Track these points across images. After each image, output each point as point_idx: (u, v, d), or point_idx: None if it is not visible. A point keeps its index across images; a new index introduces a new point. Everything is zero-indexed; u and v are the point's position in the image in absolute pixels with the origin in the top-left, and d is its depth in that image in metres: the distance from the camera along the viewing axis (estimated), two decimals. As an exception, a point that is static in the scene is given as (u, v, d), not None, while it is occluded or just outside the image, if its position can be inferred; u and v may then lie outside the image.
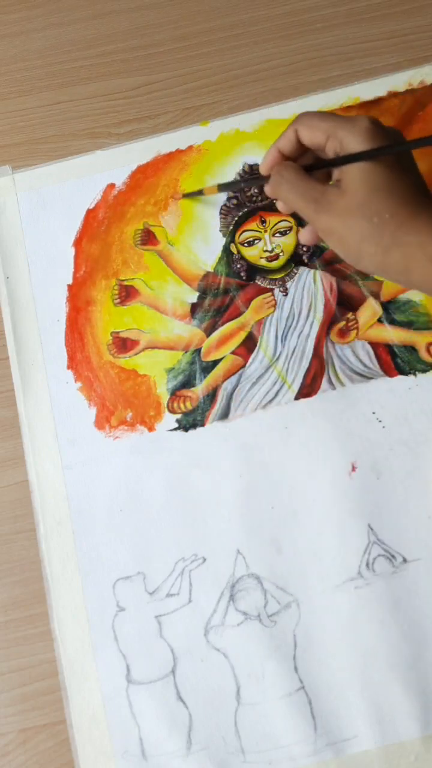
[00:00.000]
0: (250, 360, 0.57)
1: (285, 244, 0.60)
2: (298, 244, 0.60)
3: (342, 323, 0.57)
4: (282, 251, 0.59)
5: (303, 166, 0.48)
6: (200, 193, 0.60)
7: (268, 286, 0.59)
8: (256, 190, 0.61)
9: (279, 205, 0.53)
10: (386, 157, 0.45)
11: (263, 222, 0.60)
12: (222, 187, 0.59)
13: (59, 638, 0.52)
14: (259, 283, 0.59)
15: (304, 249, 0.59)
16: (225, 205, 0.61)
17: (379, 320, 0.57)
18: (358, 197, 0.44)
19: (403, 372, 0.55)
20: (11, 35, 0.69)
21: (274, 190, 0.49)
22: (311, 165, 0.48)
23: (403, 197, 0.44)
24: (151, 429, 0.56)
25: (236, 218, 0.61)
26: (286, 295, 0.58)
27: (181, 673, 0.50)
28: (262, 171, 0.51)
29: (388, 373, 0.55)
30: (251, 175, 0.60)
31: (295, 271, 0.59)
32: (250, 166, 0.62)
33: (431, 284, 0.44)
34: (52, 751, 0.50)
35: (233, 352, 0.57)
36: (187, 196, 0.61)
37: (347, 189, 0.45)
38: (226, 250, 0.60)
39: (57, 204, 0.62)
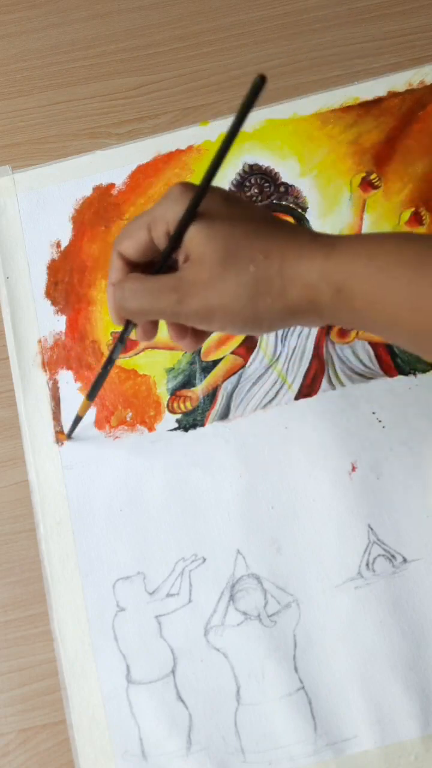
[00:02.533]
0: (250, 360, 0.57)
1: (285, 244, 0.60)
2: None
3: (342, 323, 0.57)
4: (282, 251, 0.59)
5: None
6: (79, 419, 0.55)
7: (268, 286, 0.59)
8: (256, 191, 0.61)
9: (138, 333, 0.44)
10: (215, 204, 0.38)
11: (263, 222, 0.60)
12: (92, 395, 0.51)
13: (59, 638, 0.52)
14: (259, 283, 0.59)
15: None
16: (225, 205, 0.61)
17: (379, 320, 0.57)
18: (217, 254, 0.37)
19: (403, 372, 0.55)
20: (11, 35, 0.69)
21: (119, 307, 0.40)
22: (151, 272, 0.41)
23: (264, 231, 0.37)
24: (151, 429, 0.56)
25: (236, 218, 0.60)
26: (286, 295, 0.58)
27: (181, 673, 0.50)
28: (114, 318, 0.42)
29: (388, 373, 0.55)
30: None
31: (295, 271, 0.59)
32: (250, 166, 0.62)
33: (344, 317, 0.38)
34: (52, 751, 0.50)
35: (233, 352, 0.57)
36: (70, 433, 0.56)
37: (200, 256, 0.37)
38: (226, 250, 0.60)
39: (57, 204, 0.62)
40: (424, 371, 0.55)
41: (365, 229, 0.59)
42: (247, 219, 0.38)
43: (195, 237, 0.37)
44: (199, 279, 0.37)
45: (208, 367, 0.57)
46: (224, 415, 0.56)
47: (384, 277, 0.35)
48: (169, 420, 0.56)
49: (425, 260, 0.35)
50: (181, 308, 0.38)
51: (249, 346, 0.57)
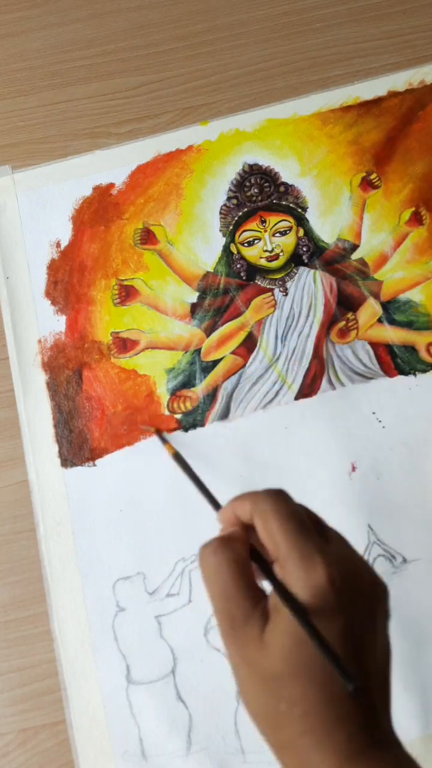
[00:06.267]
0: (250, 360, 0.57)
1: (285, 244, 0.60)
2: (298, 244, 0.60)
3: (342, 323, 0.57)
4: (282, 251, 0.59)
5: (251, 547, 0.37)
6: (160, 434, 0.54)
7: (268, 286, 0.59)
8: (256, 190, 0.61)
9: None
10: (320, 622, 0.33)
11: (263, 222, 0.60)
12: (180, 462, 0.50)
13: (59, 638, 0.52)
14: (259, 283, 0.59)
15: (304, 249, 0.59)
16: (225, 204, 0.61)
17: (379, 320, 0.57)
18: (277, 669, 0.33)
19: (403, 372, 0.55)
20: (11, 35, 0.69)
21: (200, 568, 0.37)
22: (256, 553, 0.37)
23: (316, 698, 0.32)
24: (151, 429, 0.56)
25: (236, 218, 0.61)
26: (286, 295, 0.58)
27: (181, 673, 0.50)
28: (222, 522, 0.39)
29: (388, 373, 0.55)
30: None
31: (295, 271, 0.59)
32: (250, 166, 0.62)
33: None
34: (52, 751, 0.50)
35: (233, 352, 0.57)
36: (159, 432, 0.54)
37: (270, 647, 0.33)
38: (226, 249, 0.60)
39: (57, 204, 0.62)
40: (424, 371, 0.55)
41: (365, 229, 0.59)
42: (319, 673, 0.33)
43: (283, 631, 0.33)
44: (250, 650, 0.34)
45: (208, 367, 0.57)
46: (224, 415, 0.56)
47: None
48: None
49: None
50: (221, 634, 0.35)
51: (249, 346, 0.57)
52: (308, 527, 0.35)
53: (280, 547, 0.34)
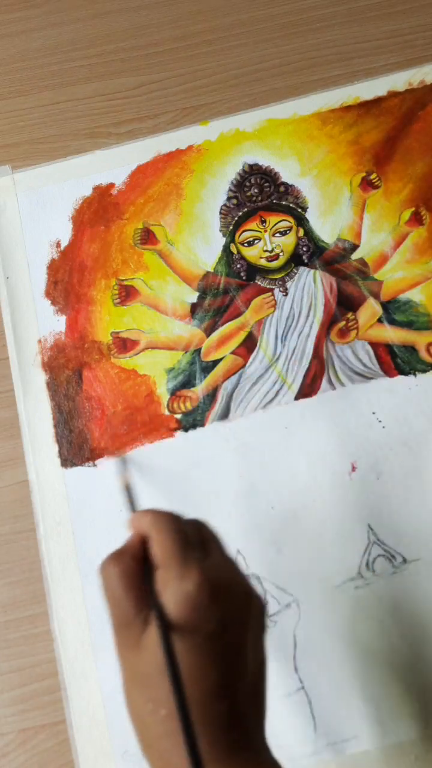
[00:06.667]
0: (250, 360, 0.57)
1: (285, 244, 0.60)
2: (298, 244, 0.60)
3: (342, 323, 0.57)
4: (282, 251, 0.59)
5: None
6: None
7: (268, 286, 0.59)
8: (256, 190, 0.61)
9: None
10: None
11: (263, 222, 0.60)
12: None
13: (59, 638, 0.52)
14: (259, 283, 0.59)
15: (304, 249, 0.59)
16: (225, 204, 0.61)
17: (379, 320, 0.57)
18: (148, 670, 0.35)
19: (403, 372, 0.55)
20: (11, 35, 0.69)
21: (100, 572, 0.39)
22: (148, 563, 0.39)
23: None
24: (151, 429, 0.56)
25: (236, 218, 0.61)
26: (286, 295, 0.58)
27: (181, 673, 0.50)
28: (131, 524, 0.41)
29: (388, 373, 0.55)
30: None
31: (295, 271, 0.59)
32: (250, 166, 0.62)
33: None
34: (52, 751, 0.50)
35: (233, 352, 0.57)
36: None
37: (143, 649, 0.36)
38: (226, 249, 0.60)
39: (57, 204, 0.62)
40: (424, 371, 0.55)
41: (365, 229, 0.59)
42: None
43: (154, 639, 0.36)
44: (128, 656, 0.37)
45: (208, 367, 0.57)
46: (224, 415, 0.56)
47: None
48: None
49: None
50: (114, 637, 0.38)
51: (249, 346, 0.57)
52: (192, 543, 0.38)
53: (164, 556, 0.37)
